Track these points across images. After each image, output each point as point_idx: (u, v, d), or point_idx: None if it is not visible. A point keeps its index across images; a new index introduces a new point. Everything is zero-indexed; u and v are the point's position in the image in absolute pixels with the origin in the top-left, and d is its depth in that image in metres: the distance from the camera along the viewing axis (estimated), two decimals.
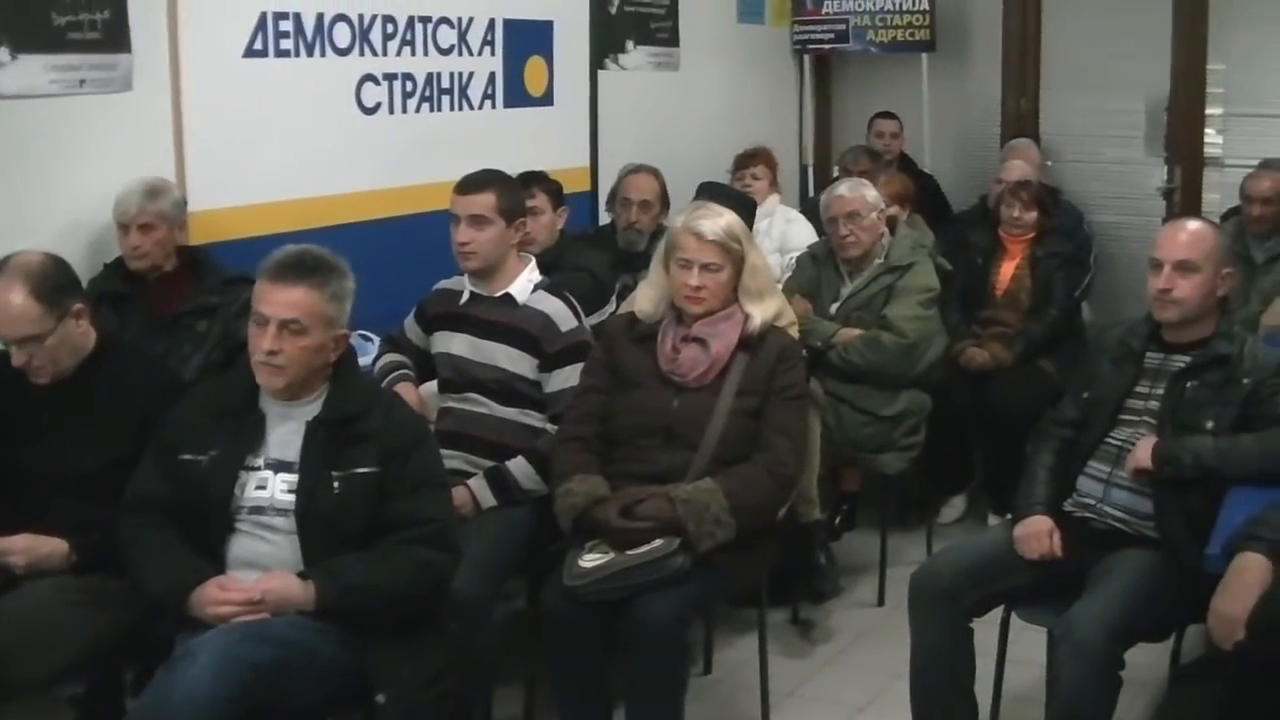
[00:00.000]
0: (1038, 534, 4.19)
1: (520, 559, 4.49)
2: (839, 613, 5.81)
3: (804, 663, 5.40)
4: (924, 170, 8.75)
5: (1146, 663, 4.17)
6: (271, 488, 3.66)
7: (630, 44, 7.69)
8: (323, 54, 5.70)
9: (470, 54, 6.45)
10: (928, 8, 8.88)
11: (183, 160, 5.20)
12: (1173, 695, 3.31)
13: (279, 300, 3.61)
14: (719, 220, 4.45)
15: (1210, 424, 4.11)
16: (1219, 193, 8.79)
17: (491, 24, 6.55)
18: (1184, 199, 8.91)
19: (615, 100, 7.47)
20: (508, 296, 4.70)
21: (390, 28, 6.00)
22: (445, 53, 6.31)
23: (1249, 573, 3.35)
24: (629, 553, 4.09)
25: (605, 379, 4.50)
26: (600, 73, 7.41)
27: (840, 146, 9.06)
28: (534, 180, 5.75)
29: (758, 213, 6.67)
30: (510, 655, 4.63)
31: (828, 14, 9.13)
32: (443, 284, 4.92)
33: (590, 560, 4.11)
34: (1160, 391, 4.23)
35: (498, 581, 4.39)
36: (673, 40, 8.06)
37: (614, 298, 5.76)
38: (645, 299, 4.58)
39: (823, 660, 5.44)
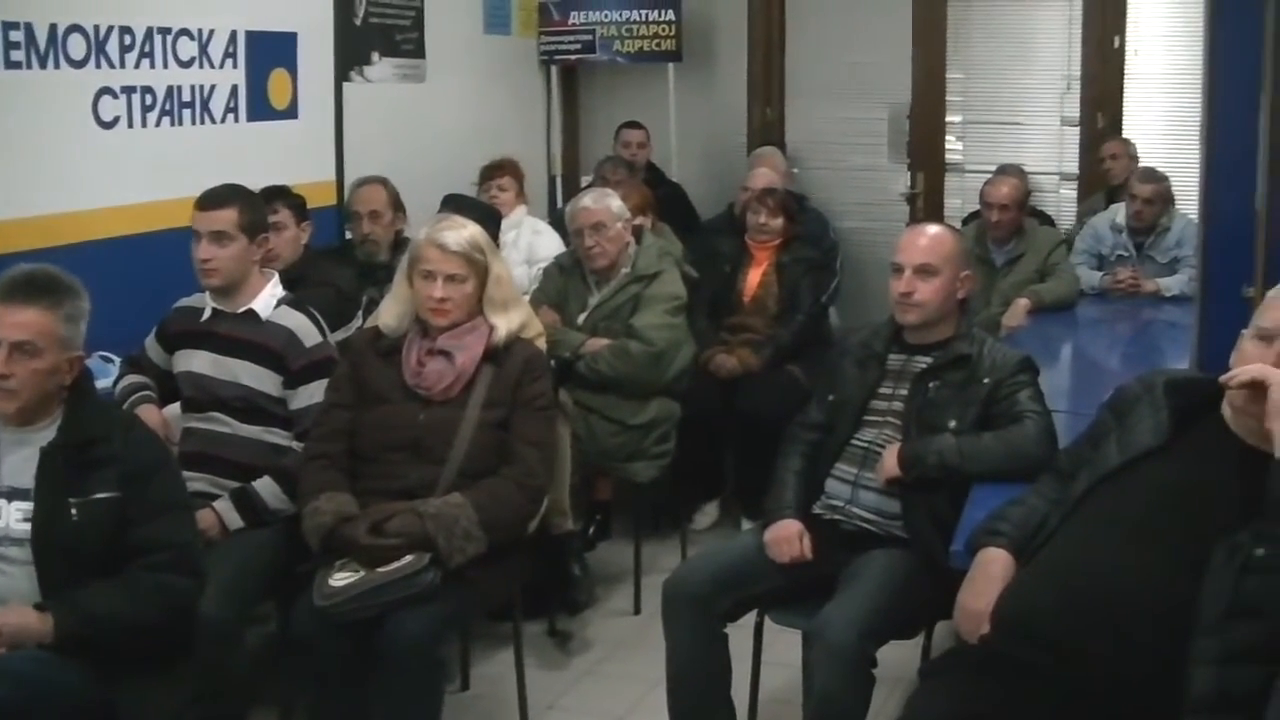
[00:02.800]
0: (787, 537, 4.24)
1: (270, 581, 4.42)
2: (596, 623, 5.81)
3: (562, 674, 5.39)
4: (671, 179, 8.83)
5: (899, 660, 4.21)
6: (6, 517, 3.55)
7: (376, 56, 7.62)
8: (56, 66, 5.51)
9: (212, 66, 6.32)
10: (674, 18, 8.94)
11: None
12: (921, 690, 3.36)
13: (9, 322, 3.51)
14: (462, 231, 4.45)
15: (953, 423, 4.19)
16: (960, 197, 9.11)
17: (233, 36, 6.42)
18: (926, 204, 9.19)
19: (361, 113, 7.38)
20: (250, 313, 4.63)
21: (128, 39, 5.83)
22: (186, 65, 6.17)
23: (992, 567, 3.42)
24: (379, 570, 4.04)
25: (351, 394, 4.45)
26: (345, 85, 7.32)
27: (588, 157, 9.14)
28: (276, 195, 5.66)
29: (505, 224, 6.69)
30: (264, 680, 4.57)
31: (574, 25, 9.13)
32: (184, 301, 4.82)
33: (340, 579, 4.06)
34: (904, 392, 4.32)
35: (247, 605, 4.33)
36: (419, 52, 8.01)
37: (360, 312, 5.71)
38: (389, 312, 4.54)
39: (581, 671, 5.43)
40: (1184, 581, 2.95)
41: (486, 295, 4.48)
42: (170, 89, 6.08)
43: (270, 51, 6.70)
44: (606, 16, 9.05)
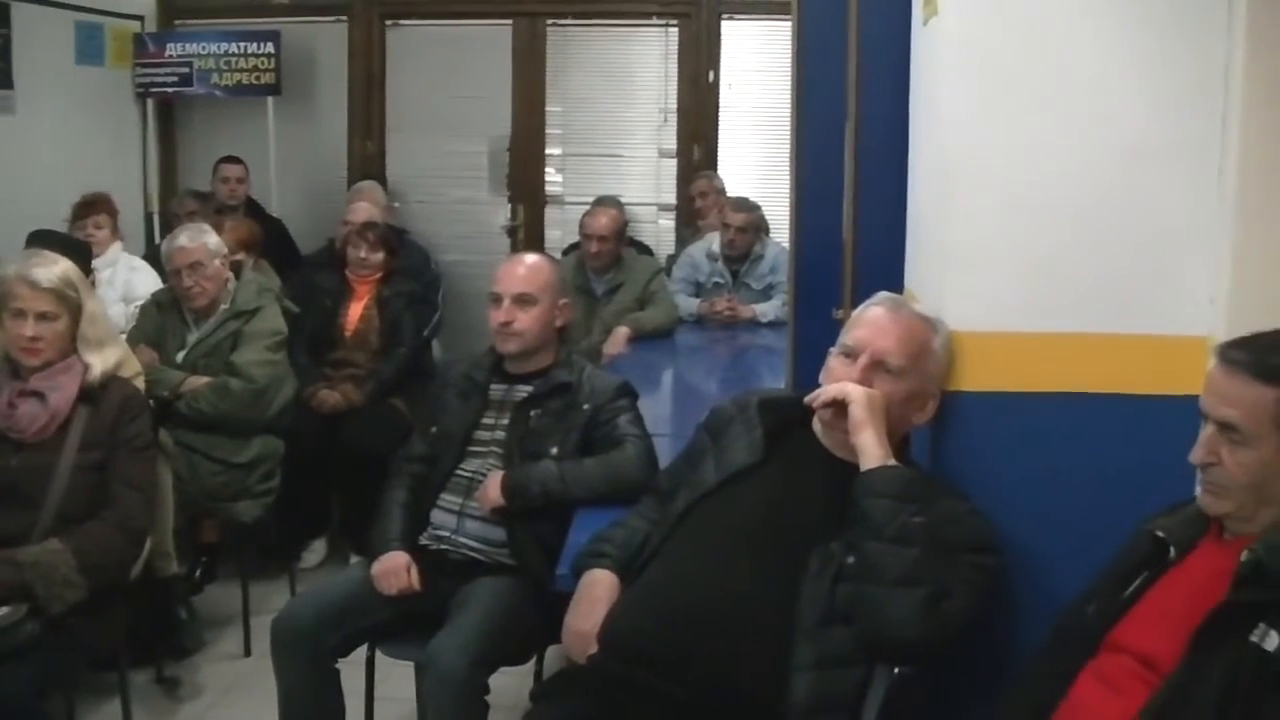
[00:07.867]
0: (395, 569, 4.24)
1: None
2: (205, 667, 5.68)
3: None
4: (271, 214, 8.74)
5: (512, 687, 4.27)
6: None
7: None
8: None
9: None
10: (273, 51, 8.91)
11: None
12: (532, 712, 3.38)
13: None
14: (53, 268, 4.34)
15: (555, 450, 4.26)
16: (560, 229, 9.31)
17: None
18: (527, 236, 9.35)
19: None
20: None
21: None
22: None
23: (597, 588, 3.50)
24: None
25: None
26: None
27: None
28: None
29: (101, 262, 6.54)
30: None
31: (170, 57, 9.02)
32: None
33: None
34: (505, 421, 4.37)
35: None
36: (6, 82, 7.79)
37: None
38: None
39: (191, 717, 5.29)
40: (783, 592, 3.08)
41: (80, 333, 4.38)
42: None
43: None
44: (204, 49, 8.97)
